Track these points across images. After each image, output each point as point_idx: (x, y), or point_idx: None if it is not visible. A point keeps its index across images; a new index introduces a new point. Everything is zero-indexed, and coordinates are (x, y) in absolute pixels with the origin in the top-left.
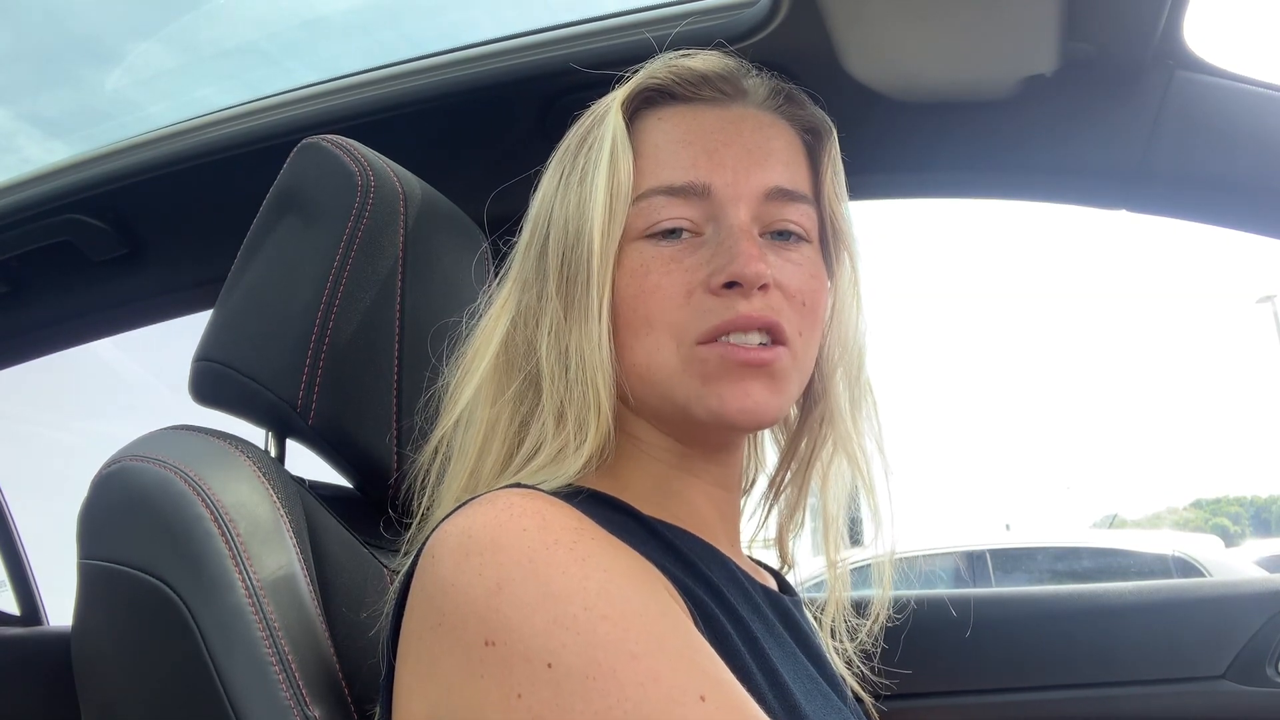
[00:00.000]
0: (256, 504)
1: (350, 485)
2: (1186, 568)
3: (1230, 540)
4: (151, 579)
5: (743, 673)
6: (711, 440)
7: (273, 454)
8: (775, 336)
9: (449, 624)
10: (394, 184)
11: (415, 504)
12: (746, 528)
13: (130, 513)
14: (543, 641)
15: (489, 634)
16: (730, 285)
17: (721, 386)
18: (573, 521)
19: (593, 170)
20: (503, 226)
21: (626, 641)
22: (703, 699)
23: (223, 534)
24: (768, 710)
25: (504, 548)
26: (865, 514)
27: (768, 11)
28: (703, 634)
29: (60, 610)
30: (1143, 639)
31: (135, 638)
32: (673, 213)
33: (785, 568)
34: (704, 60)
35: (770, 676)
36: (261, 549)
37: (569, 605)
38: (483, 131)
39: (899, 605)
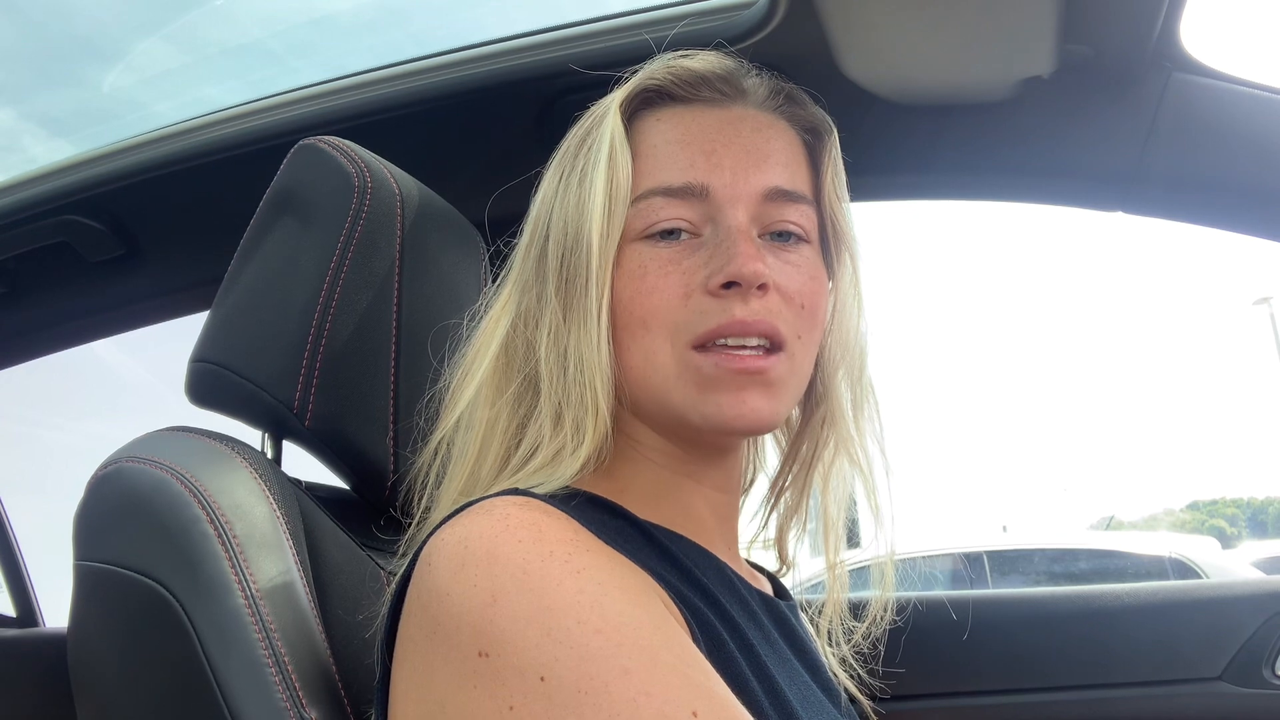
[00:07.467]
0: (253, 506)
1: (347, 487)
2: (1183, 569)
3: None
4: (148, 581)
5: (739, 680)
6: (710, 444)
7: (269, 455)
8: (773, 341)
9: (444, 633)
10: (391, 185)
11: (413, 505)
12: (747, 529)
13: (126, 515)
14: (536, 654)
15: (483, 645)
16: (728, 286)
17: (719, 394)
18: (568, 533)
19: (591, 171)
20: (501, 228)
21: (619, 656)
22: (695, 715)
23: (219, 536)
24: (764, 719)
25: (499, 559)
26: (864, 516)
27: (765, 13)
28: (698, 642)
29: (56, 612)
30: (1139, 640)
31: (131, 640)
32: (671, 213)
33: (784, 569)
34: (703, 61)
35: (766, 684)
36: (258, 551)
37: (563, 619)
38: (481, 132)
39: (897, 607)
